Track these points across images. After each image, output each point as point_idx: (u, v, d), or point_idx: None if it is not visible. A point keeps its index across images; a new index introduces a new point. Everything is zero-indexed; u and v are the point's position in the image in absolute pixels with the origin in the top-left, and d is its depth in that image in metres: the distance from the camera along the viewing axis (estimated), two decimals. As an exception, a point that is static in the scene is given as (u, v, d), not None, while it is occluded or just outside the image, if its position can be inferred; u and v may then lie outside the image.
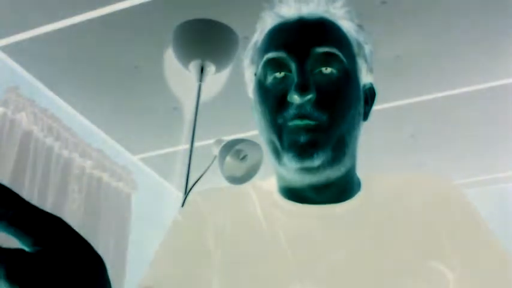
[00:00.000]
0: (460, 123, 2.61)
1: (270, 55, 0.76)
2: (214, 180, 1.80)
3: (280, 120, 0.74)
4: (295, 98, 0.71)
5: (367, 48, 0.81)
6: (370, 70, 0.82)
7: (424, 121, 2.60)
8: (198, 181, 1.77)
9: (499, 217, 2.61)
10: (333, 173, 0.75)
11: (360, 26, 0.81)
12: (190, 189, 1.76)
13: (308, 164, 0.72)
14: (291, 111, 0.72)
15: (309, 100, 0.71)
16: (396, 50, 2.16)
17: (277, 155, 0.76)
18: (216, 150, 1.79)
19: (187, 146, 2.14)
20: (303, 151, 0.72)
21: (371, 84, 0.83)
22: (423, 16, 2.02)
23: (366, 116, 0.81)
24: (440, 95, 2.43)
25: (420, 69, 2.27)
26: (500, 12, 1.99)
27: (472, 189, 2.90)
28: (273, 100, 0.75)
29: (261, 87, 0.78)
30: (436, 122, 2.60)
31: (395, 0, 1.96)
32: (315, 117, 0.72)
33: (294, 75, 0.73)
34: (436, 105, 2.47)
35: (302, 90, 0.71)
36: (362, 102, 0.79)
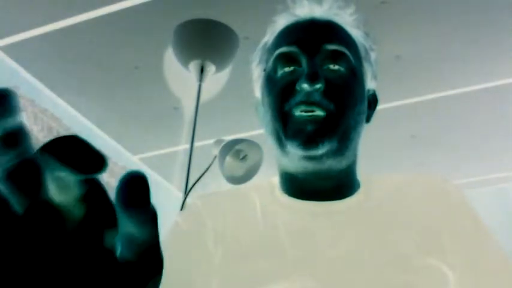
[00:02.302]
0: (460, 123, 2.60)
1: (282, 49, 0.79)
2: (215, 180, 1.80)
3: (286, 108, 0.75)
4: (305, 87, 0.73)
5: (372, 55, 0.84)
6: (375, 77, 0.85)
7: (424, 121, 2.59)
8: (198, 181, 1.77)
9: (499, 217, 2.62)
10: (335, 164, 0.77)
11: (367, 34, 0.84)
12: (190, 189, 1.76)
13: (312, 152, 0.74)
14: (298, 98, 0.74)
15: (318, 89, 0.73)
16: (396, 50, 2.16)
17: (280, 143, 0.77)
18: (216, 150, 1.79)
19: (187, 146, 2.14)
20: (308, 140, 0.73)
21: (374, 91, 0.86)
22: (423, 16, 2.02)
23: (367, 119, 0.83)
24: (440, 95, 2.43)
25: (420, 69, 2.27)
26: (501, 12, 1.98)
27: (472, 189, 2.91)
28: (280, 89, 0.77)
29: (270, 80, 0.80)
30: (436, 122, 2.60)
31: (396, 0, 1.96)
32: (323, 105, 0.74)
33: (304, 68, 0.76)
34: (436, 105, 2.47)
35: (312, 79, 0.73)
36: (366, 103, 0.82)
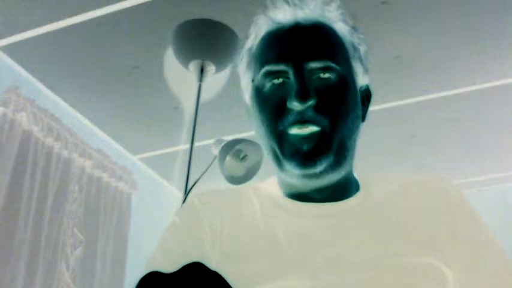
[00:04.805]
0: (460, 123, 2.61)
1: (269, 68, 0.76)
2: (214, 180, 1.80)
3: (280, 127, 0.74)
4: (296, 105, 0.72)
5: (362, 50, 0.81)
6: (366, 71, 0.82)
7: (424, 121, 2.60)
8: (198, 181, 1.77)
9: (499, 217, 2.62)
10: (334, 176, 0.76)
11: (354, 28, 0.81)
12: (190, 189, 1.76)
13: (311, 170, 0.73)
14: (291, 118, 0.73)
15: (310, 105, 0.72)
16: (396, 50, 2.16)
17: (278, 161, 0.76)
18: (216, 150, 1.79)
19: (187, 146, 2.14)
20: (306, 159, 0.73)
21: (367, 85, 0.84)
22: (423, 16, 2.02)
23: (363, 118, 0.82)
24: (440, 95, 2.43)
25: (420, 69, 2.27)
26: (500, 12, 1.99)
27: (472, 189, 2.91)
28: (272, 107, 0.75)
29: (260, 94, 0.78)
30: (436, 122, 2.60)
31: (395, 0, 1.96)
32: (317, 122, 0.72)
33: (293, 82, 0.73)
34: (436, 105, 2.47)
35: (302, 97, 0.71)
36: (360, 106, 0.80)
